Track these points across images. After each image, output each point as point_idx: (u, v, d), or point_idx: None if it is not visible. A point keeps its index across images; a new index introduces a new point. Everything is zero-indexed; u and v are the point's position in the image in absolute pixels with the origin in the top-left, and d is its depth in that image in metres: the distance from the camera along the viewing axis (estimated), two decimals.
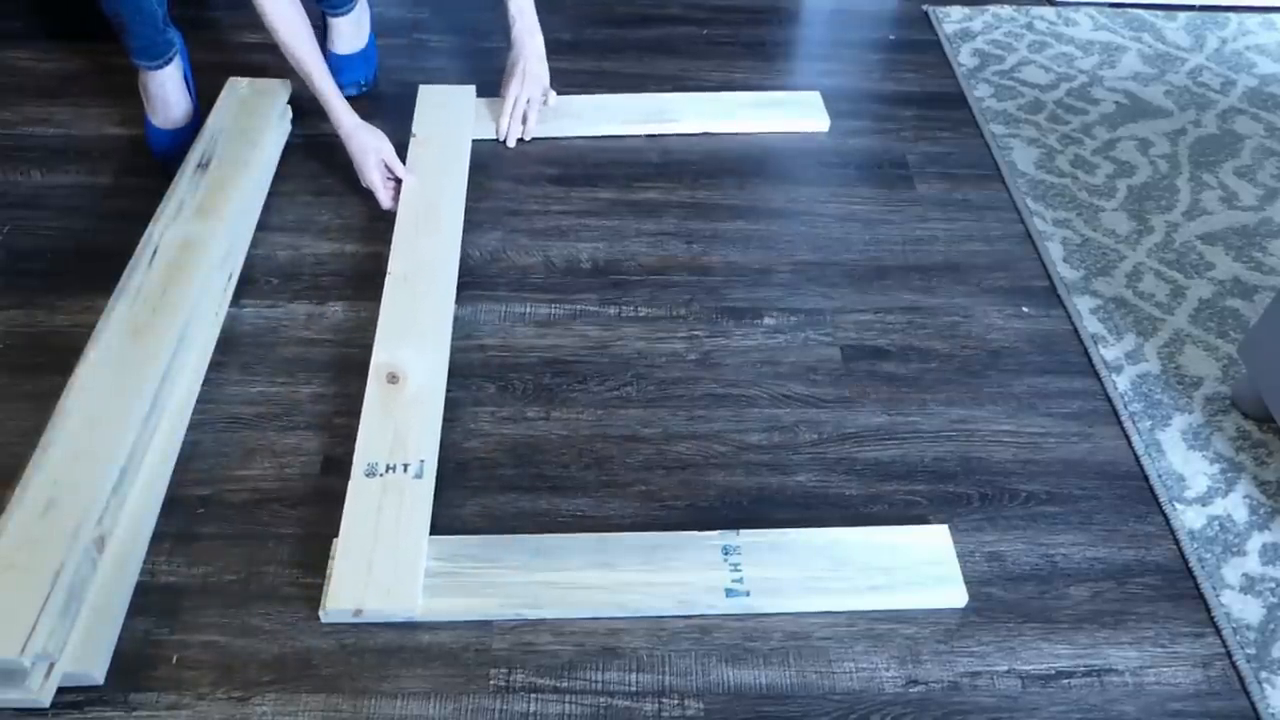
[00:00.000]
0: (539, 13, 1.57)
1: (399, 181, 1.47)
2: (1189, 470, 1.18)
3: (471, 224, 1.45)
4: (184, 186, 1.35)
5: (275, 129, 1.53)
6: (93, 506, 0.99)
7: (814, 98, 1.69)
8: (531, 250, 1.42)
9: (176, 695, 0.95)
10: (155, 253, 1.25)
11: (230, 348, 1.27)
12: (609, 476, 1.15)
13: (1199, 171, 1.60)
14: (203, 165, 1.39)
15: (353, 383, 1.21)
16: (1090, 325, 1.34)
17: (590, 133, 1.61)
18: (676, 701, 0.97)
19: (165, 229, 1.28)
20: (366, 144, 1.43)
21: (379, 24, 1.78)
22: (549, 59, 1.60)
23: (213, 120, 1.47)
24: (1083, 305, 1.37)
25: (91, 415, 1.07)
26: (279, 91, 1.56)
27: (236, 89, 1.53)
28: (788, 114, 1.66)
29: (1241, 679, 1.00)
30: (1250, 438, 1.22)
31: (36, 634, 0.89)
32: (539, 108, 1.61)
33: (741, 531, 1.07)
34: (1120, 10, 1.99)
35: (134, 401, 1.08)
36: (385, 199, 1.46)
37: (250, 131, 1.46)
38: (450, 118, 1.58)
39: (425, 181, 1.47)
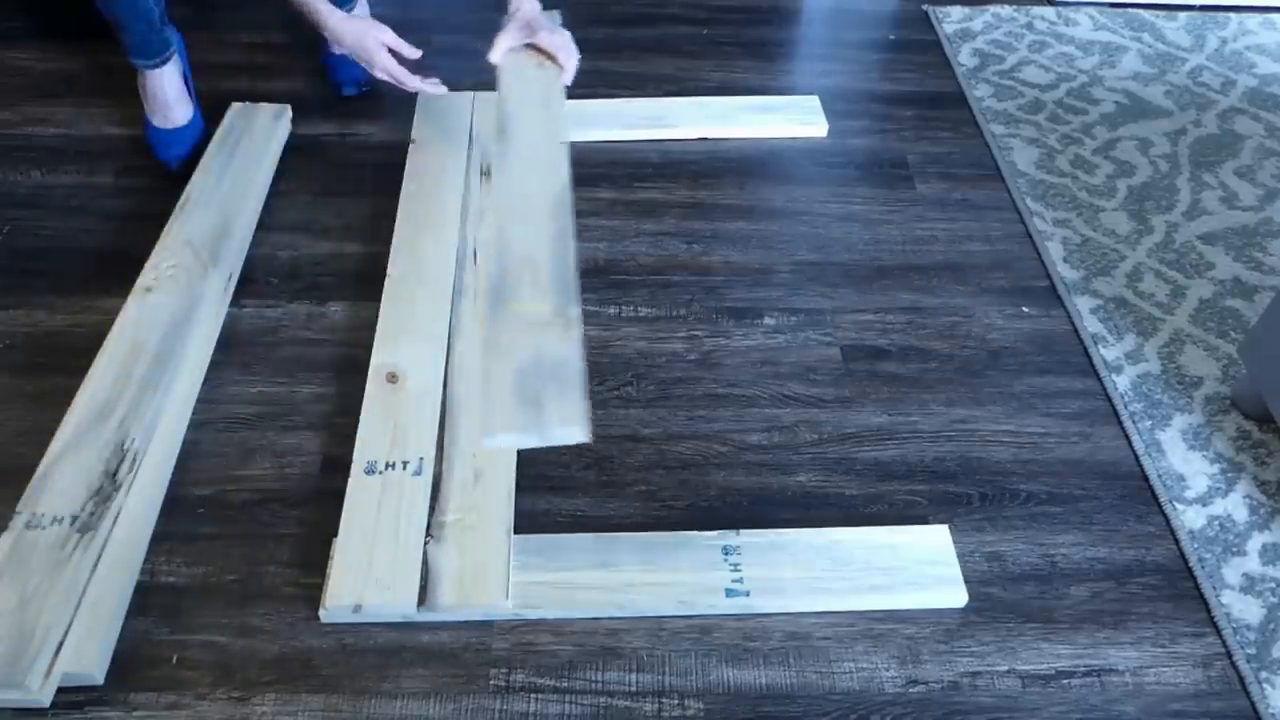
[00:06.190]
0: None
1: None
2: (1189, 470, 1.18)
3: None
4: (474, 198, 1.44)
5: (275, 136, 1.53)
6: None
7: (812, 102, 1.69)
8: None
9: (176, 695, 0.95)
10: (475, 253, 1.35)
11: (230, 348, 1.27)
12: (609, 476, 1.15)
13: (1199, 171, 1.60)
14: (485, 173, 1.47)
15: (353, 383, 1.21)
16: (1090, 325, 1.34)
17: (588, 139, 1.61)
18: (676, 701, 0.97)
19: (474, 232, 1.38)
20: (360, 30, 1.36)
21: None
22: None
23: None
24: (1083, 305, 1.37)
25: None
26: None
27: None
28: (786, 119, 1.66)
29: (1241, 679, 1.00)
30: (1250, 438, 1.22)
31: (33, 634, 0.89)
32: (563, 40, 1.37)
33: (741, 531, 1.07)
34: (1120, 10, 1.99)
35: None
36: (407, 78, 1.37)
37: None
38: (449, 123, 1.58)
39: (425, 186, 1.47)
